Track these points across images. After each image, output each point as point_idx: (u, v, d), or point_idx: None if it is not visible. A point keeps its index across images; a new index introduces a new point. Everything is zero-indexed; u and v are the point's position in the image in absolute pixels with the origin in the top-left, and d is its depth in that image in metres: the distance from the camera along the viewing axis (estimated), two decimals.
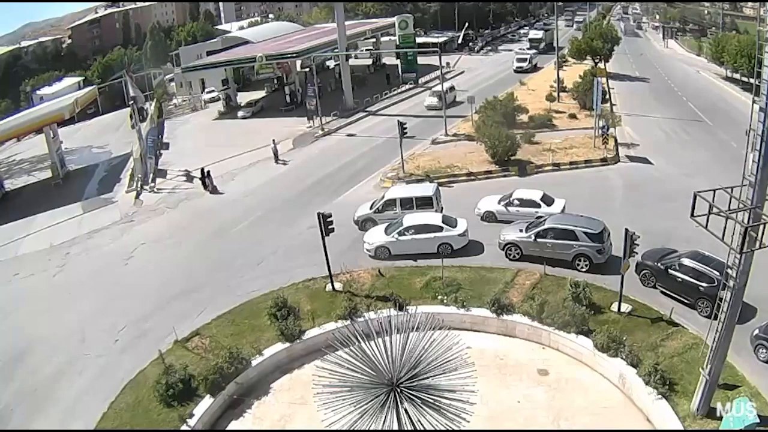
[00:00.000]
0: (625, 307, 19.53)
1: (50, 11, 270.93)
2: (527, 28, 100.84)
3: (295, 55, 54.66)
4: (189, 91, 71.35)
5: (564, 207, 26.23)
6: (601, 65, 57.07)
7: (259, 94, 63.28)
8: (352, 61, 63.17)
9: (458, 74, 63.75)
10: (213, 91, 65.71)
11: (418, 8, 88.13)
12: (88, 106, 57.53)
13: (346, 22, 56.79)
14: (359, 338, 12.30)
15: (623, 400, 16.77)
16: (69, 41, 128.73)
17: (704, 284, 19.15)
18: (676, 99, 49.39)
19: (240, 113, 55.40)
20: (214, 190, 36.04)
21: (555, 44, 57.56)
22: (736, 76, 55.68)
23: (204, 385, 17.54)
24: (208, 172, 36.63)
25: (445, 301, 20.71)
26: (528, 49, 72.57)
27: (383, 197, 27.78)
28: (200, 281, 24.48)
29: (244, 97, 62.30)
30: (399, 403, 11.62)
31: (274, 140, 41.18)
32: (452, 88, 50.61)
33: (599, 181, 31.82)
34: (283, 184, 35.49)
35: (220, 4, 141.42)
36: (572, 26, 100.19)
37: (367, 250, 24.85)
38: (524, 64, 64.79)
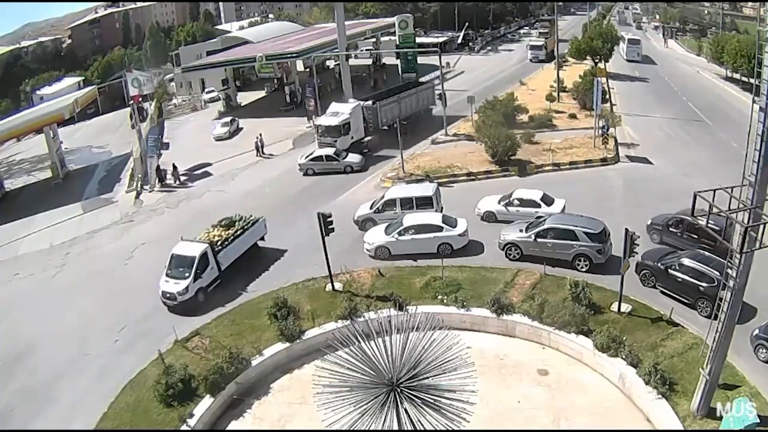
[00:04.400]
0: (625, 307, 19.54)
1: (50, 11, 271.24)
2: (527, 28, 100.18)
3: (295, 55, 54.65)
4: (189, 91, 71.35)
5: (564, 207, 26.24)
6: (601, 65, 57.04)
7: (259, 94, 63.29)
8: (352, 61, 63.15)
9: (458, 74, 63.69)
10: (213, 91, 65.69)
11: (418, 8, 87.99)
12: (88, 106, 57.52)
13: (346, 22, 56.68)
14: (359, 338, 12.31)
15: (623, 400, 16.78)
16: (69, 41, 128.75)
17: (704, 284, 19.18)
18: (676, 99, 49.37)
19: (215, 132, 48.67)
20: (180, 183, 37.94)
21: (555, 51, 57.31)
22: (736, 76, 55.63)
23: (204, 385, 17.56)
24: (174, 165, 38.56)
25: (445, 301, 20.72)
26: (312, 155, 36.54)
27: (383, 197, 27.79)
28: None
29: (244, 98, 62.33)
30: (399, 403, 11.64)
31: (261, 134, 42.22)
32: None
33: (599, 181, 31.81)
34: (283, 184, 35.48)
35: (220, 4, 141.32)
36: (527, 54, 69.95)
37: (367, 250, 24.87)
38: (177, 289, 22.20)
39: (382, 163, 36.80)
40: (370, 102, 40.61)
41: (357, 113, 39.04)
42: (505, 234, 23.84)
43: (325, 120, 38.42)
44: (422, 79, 51.21)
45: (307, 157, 36.88)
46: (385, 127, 39.90)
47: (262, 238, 26.35)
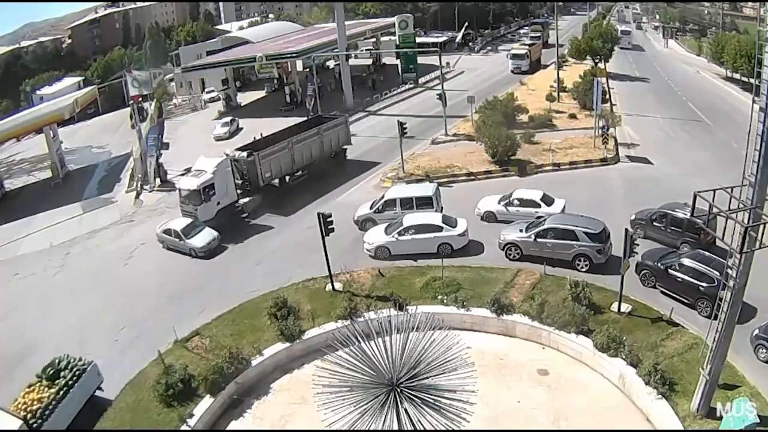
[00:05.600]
0: (625, 307, 19.54)
1: (50, 11, 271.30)
2: (527, 28, 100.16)
3: (295, 55, 54.70)
4: (189, 91, 71.41)
5: (564, 207, 26.23)
6: (601, 65, 57.00)
7: (259, 94, 63.32)
8: (352, 61, 63.15)
9: (458, 74, 63.67)
10: (213, 91, 65.72)
11: (418, 8, 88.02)
12: (88, 106, 57.56)
13: (346, 22, 56.77)
14: (359, 338, 12.31)
15: (623, 400, 16.78)
16: (69, 41, 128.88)
17: (704, 284, 19.18)
18: (676, 99, 49.36)
19: (215, 132, 48.85)
20: (165, 182, 38.09)
21: (556, 42, 57.19)
22: (736, 76, 55.62)
23: (204, 385, 17.57)
24: (161, 164, 38.87)
25: (445, 301, 20.71)
26: (165, 227, 28.61)
27: (383, 197, 27.79)
28: (200, 281, 24.53)
29: (245, 98, 62.33)
30: (399, 403, 11.64)
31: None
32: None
33: (599, 181, 31.80)
34: None
35: (220, 4, 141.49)
36: (508, 65, 62.17)
37: (367, 250, 24.86)
38: None
39: (257, 237, 28.40)
40: (245, 154, 31.21)
41: (224, 171, 29.71)
42: (505, 234, 23.83)
43: (185, 182, 29.74)
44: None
45: (162, 226, 28.76)
46: (275, 181, 32.67)
47: (99, 387, 18.43)
